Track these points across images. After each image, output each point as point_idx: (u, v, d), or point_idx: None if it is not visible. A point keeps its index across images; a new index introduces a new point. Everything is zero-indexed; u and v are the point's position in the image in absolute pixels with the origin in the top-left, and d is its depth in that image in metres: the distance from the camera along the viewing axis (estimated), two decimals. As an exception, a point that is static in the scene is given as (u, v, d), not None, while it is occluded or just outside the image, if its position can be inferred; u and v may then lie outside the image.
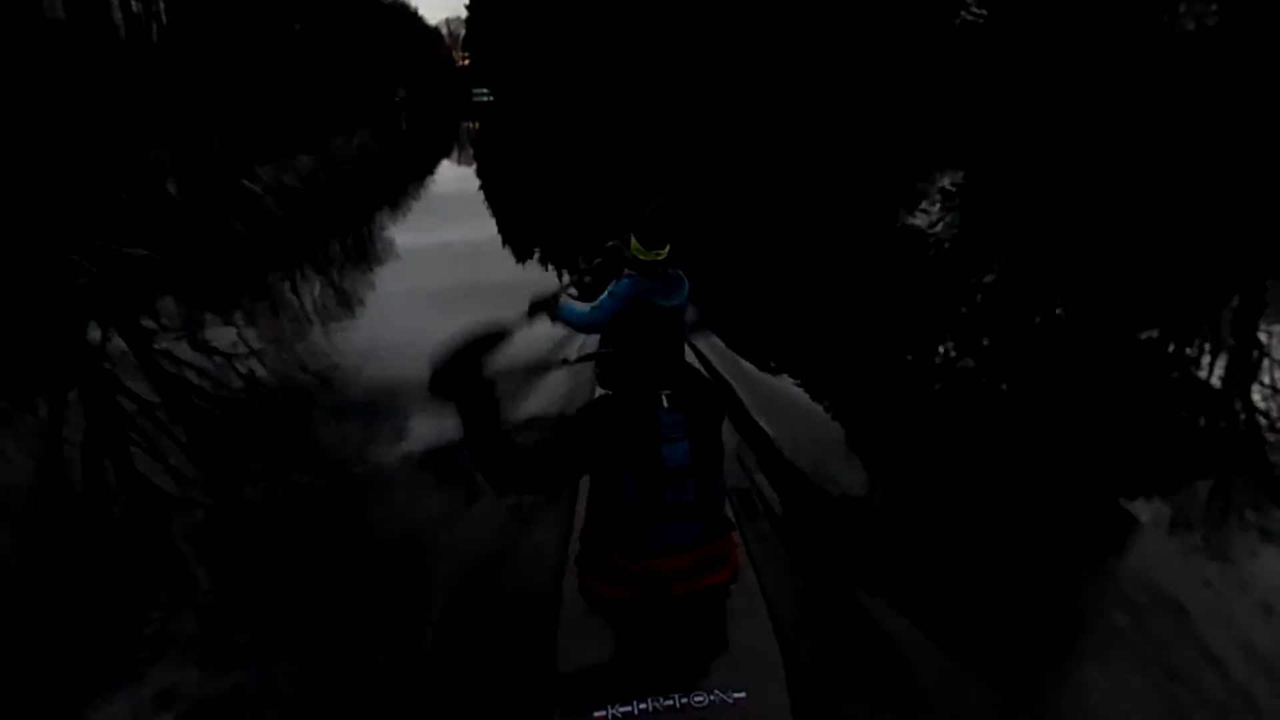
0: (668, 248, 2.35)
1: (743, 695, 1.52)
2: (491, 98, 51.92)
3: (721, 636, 1.72)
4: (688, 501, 1.65)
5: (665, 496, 1.64)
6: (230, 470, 3.28)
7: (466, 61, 66.47)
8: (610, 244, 2.74)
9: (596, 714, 1.50)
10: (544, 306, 2.55)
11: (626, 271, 2.44)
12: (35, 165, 7.26)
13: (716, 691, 1.52)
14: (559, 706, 1.57)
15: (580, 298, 2.71)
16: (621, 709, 1.50)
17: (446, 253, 7.53)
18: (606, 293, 2.47)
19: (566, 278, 4.59)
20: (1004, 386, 4.12)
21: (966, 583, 2.32)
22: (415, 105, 47.90)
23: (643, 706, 1.50)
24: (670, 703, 1.50)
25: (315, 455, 3.40)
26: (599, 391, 2.66)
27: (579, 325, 2.59)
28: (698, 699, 1.51)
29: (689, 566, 1.68)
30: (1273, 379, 4.00)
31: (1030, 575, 2.41)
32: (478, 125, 33.43)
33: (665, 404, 1.68)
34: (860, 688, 1.90)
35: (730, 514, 1.95)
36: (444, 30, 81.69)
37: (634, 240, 2.36)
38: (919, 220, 7.78)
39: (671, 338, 1.79)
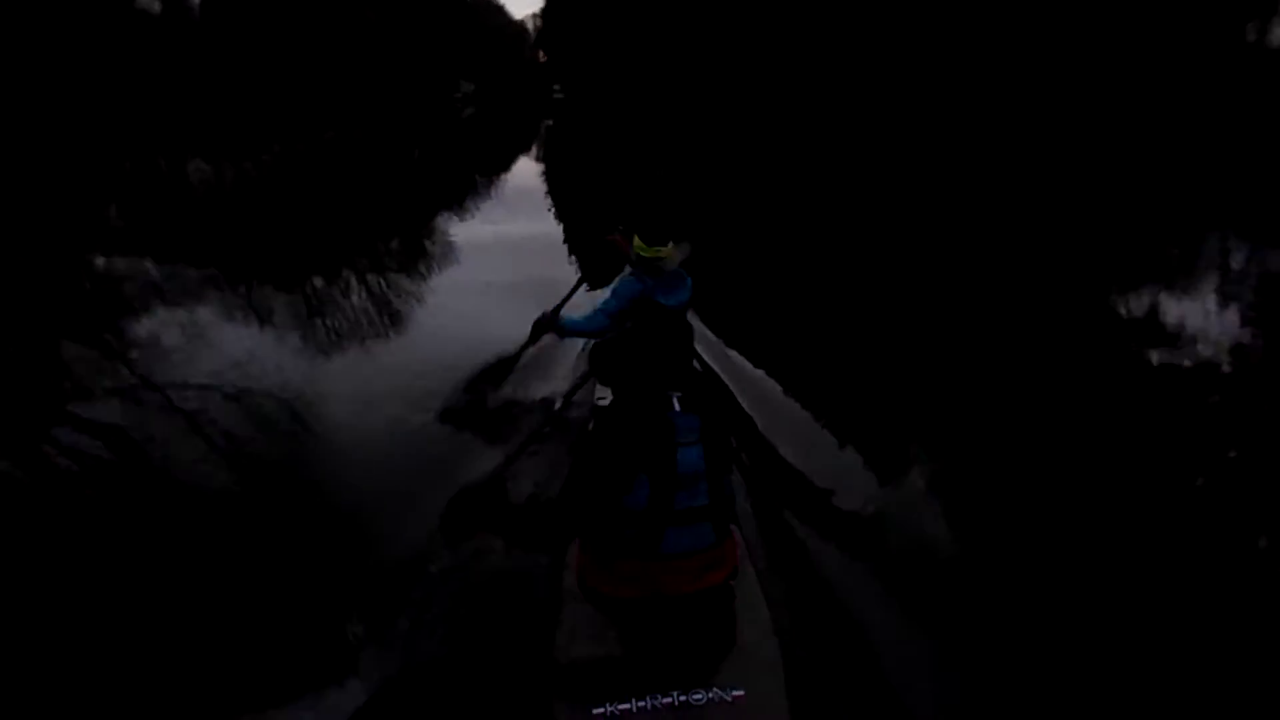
0: (670, 245, 2.47)
1: (741, 694, 1.51)
2: (562, 95, 49.85)
3: (721, 635, 1.68)
4: (699, 506, 1.61)
5: (678, 501, 1.59)
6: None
7: (544, 59, 64.90)
8: (609, 238, 2.82)
9: (595, 711, 1.49)
10: (547, 325, 2.70)
11: (628, 270, 2.59)
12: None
13: (715, 690, 1.51)
14: (558, 703, 1.55)
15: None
16: (620, 706, 1.50)
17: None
18: (610, 292, 2.56)
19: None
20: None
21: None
22: (485, 101, 46.49)
23: (641, 704, 1.50)
24: (669, 700, 1.50)
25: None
26: (597, 387, 2.81)
27: (584, 331, 2.67)
28: (696, 697, 1.50)
29: (696, 569, 1.63)
30: None
31: None
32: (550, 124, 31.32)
33: (677, 407, 1.64)
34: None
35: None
36: (530, 26, 79.84)
37: (636, 238, 2.50)
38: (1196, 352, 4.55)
39: (677, 337, 1.75)
